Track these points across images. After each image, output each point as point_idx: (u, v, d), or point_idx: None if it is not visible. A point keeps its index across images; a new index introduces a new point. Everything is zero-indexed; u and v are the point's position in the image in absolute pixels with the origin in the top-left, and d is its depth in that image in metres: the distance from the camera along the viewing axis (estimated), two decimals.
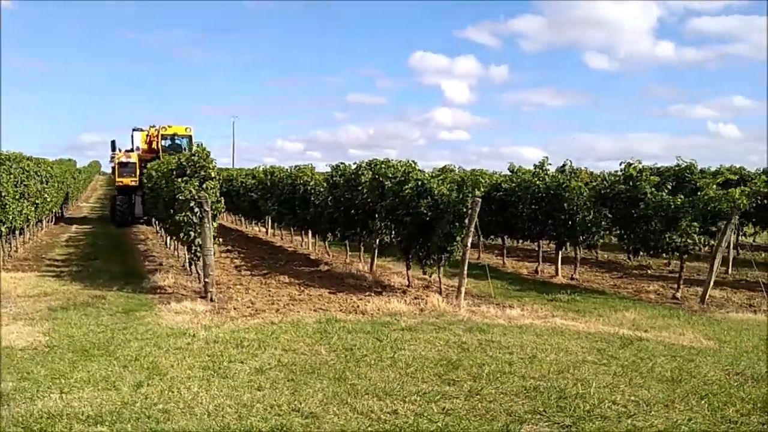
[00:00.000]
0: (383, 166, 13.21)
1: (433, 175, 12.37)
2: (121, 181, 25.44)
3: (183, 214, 10.97)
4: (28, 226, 18.02)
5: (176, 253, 16.72)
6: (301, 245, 20.32)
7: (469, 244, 11.00)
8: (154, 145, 26.03)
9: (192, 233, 11.09)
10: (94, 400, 5.80)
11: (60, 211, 28.52)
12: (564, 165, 15.06)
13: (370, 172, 13.96)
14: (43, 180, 18.92)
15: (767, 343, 8.34)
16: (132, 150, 26.82)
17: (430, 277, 12.45)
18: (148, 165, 20.13)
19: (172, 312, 9.61)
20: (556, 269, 14.64)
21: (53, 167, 22.85)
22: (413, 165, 12.46)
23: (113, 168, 27.26)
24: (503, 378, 6.58)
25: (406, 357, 7.31)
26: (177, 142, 25.49)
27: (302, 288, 12.13)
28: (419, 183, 11.75)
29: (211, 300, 10.58)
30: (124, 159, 25.61)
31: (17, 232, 16.65)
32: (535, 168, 15.59)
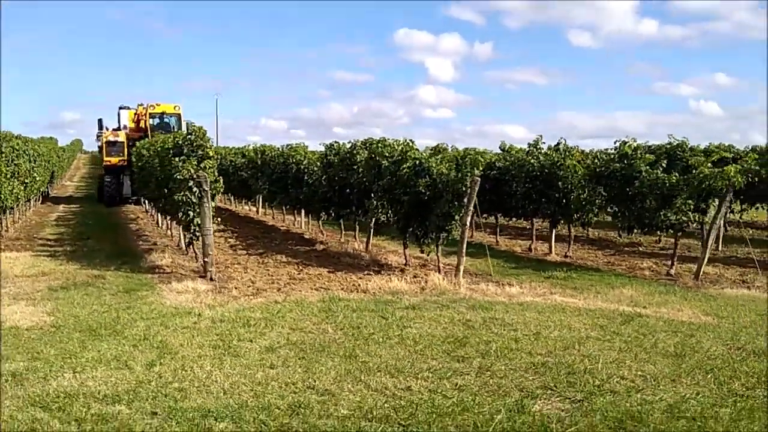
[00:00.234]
0: (380, 145, 13.20)
1: (430, 154, 12.37)
2: (109, 161, 25.21)
3: (182, 193, 10.93)
4: (17, 205, 17.87)
5: (169, 232, 16.70)
6: (294, 224, 20.33)
7: (468, 223, 11.08)
8: (141, 124, 25.80)
9: (191, 213, 11.06)
10: (108, 380, 5.83)
11: (46, 190, 28.29)
12: (558, 143, 15.12)
13: (366, 152, 13.95)
14: (31, 159, 18.76)
15: (765, 318, 8.49)
16: (119, 129, 26.55)
17: (428, 256, 12.53)
18: (137, 144, 19.94)
19: (174, 291, 9.62)
20: (550, 247, 14.77)
21: (40, 146, 22.65)
22: (411, 144, 12.47)
23: (100, 147, 27.05)
24: (511, 354, 6.68)
25: (413, 335, 7.39)
26: (165, 120, 25.28)
27: (301, 267, 12.16)
28: (417, 162, 11.77)
29: (211, 279, 10.59)
30: (111, 138, 25.37)
31: (7, 212, 16.51)
32: (529, 146, 15.65)
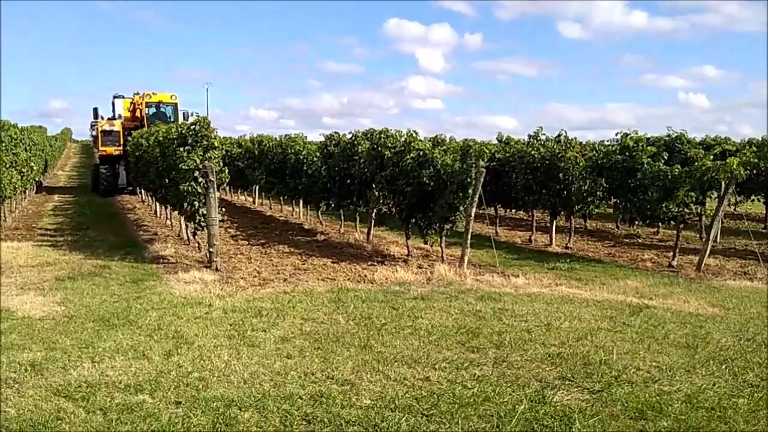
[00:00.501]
0: (382, 136, 13.21)
1: (433, 144, 12.37)
2: (105, 150, 24.97)
3: (187, 184, 10.91)
4: (14, 195, 17.77)
5: (168, 222, 16.66)
6: (292, 214, 20.32)
7: (473, 215, 11.13)
8: (137, 113, 25.56)
9: (196, 203, 11.04)
10: (128, 369, 5.84)
11: (39, 179, 28.08)
12: (559, 135, 15.17)
13: (368, 142, 13.96)
14: (27, 148, 18.67)
15: None
16: (114, 118, 26.29)
17: (431, 246, 12.56)
18: (135, 133, 19.82)
19: (182, 282, 9.62)
20: (551, 238, 14.83)
21: (34, 135, 22.51)
22: (414, 135, 12.48)
23: (95, 136, 26.80)
24: (525, 345, 6.73)
25: (426, 325, 7.43)
26: (162, 110, 25.08)
27: (304, 257, 12.18)
28: (421, 153, 11.80)
29: (217, 270, 10.60)
30: (107, 127, 25.11)
31: (5, 202, 16.42)
32: (529, 138, 15.71)
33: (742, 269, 11.81)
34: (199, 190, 10.92)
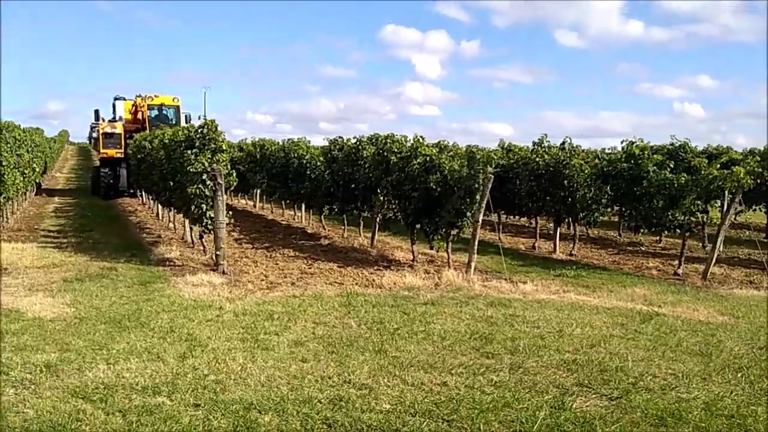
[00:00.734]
0: (388, 141, 13.23)
1: (439, 150, 12.36)
2: (106, 153, 24.86)
3: (195, 186, 10.88)
4: (17, 196, 17.71)
5: (170, 225, 16.63)
6: (294, 219, 20.30)
7: (480, 220, 11.13)
8: (139, 116, 25.49)
9: (204, 206, 11.03)
10: (143, 371, 5.82)
11: (39, 181, 27.98)
12: (563, 142, 15.22)
13: (373, 147, 13.97)
14: (29, 150, 18.61)
15: None
16: (115, 120, 26.24)
17: (437, 252, 12.55)
18: (137, 135, 19.79)
19: (190, 284, 9.60)
20: (555, 245, 14.85)
21: (35, 137, 22.46)
22: (421, 140, 12.50)
23: (96, 138, 26.75)
24: (540, 352, 6.72)
25: (438, 331, 7.43)
26: (164, 112, 25.02)
27: (310, 262, 12.16)
28: (428, 158, 11.80)
29: (224, 273, 10.58)
30: (108, 129, 25.02)
31: (8, 203, 16.37)
32: (533, 145, 15.75)
33: (747, 278, 11.84)
34: (207, 193, 10.91)
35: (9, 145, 13.65)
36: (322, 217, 17.81)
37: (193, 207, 11.15)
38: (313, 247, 14.33)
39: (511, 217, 19.27)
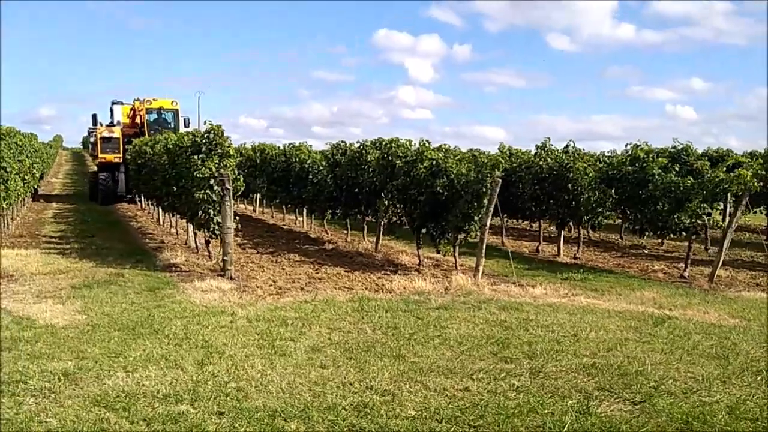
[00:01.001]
0: (393, 145, 13.22)
1: (449, 154, 12.35)
2: (104, 158, 24.71)
3: (202, 192, 10.85)
4: (16, 202, 17.62)
5: (173, 230, 16.58)
6: (295, 223, 20.26)
7: (488, 224, 11.12)
8: (137, 120, 25.38)
9: (211, 211, 11.00)
10: (163, 379, 5.78)
11: (36, 187, 27.80)
12: (567, 146, 15.22)
13: (378, 152, 13.96)
14: (28, 155, 18.53)
15: None
16: (113, 124, 26.10)
17: (444, 256, 12.53)
18: (136, 140, 19.71)
19: (199, 290, 9.55)
20: (559, 248, 14.85)
21: (34, 142, 22.37)
22: (427, 144, 12.49)
23: (94, 143, 26.63)
24: (557, 356, 6.71)
25: (454, 335, 7.41)
26: (163, 116, 24.89)
27: (317, 266, 12.13)
28: (434, 162, 11.79)
29: (231, 278, 10.53)
30: (106, 134, 24.87)
31: (9, 209, 16.29)
32: (537, 148, 15.75)
33: (753, 280, 11.87)
34: (215, 198, 10.88)
35: (12, 151, 13.58)
36: (325, 221, 17.77)
37: (200, 212, 11.11)
38: (317, 251, 14.30)
39: (513, 220, 19.27)
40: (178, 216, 14.56)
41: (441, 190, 11.52)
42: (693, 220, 11.91)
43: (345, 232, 16.99)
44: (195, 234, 13.74)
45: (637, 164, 12.95)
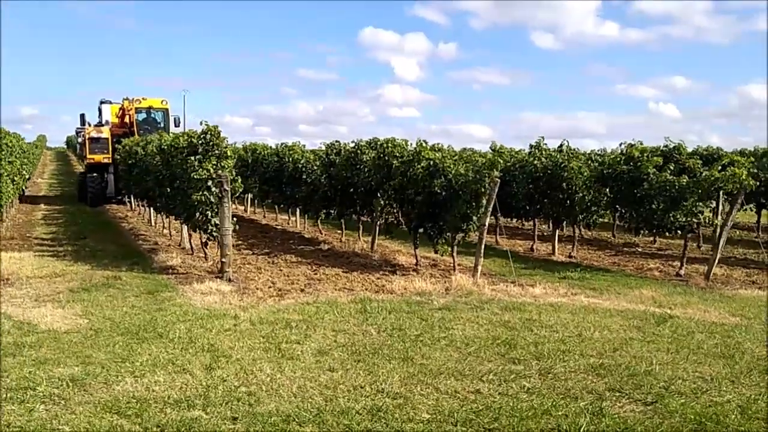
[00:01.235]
0: (389, 145, 13.20)
1: (446, 154, 12.34)
2: (93, 158, 24.39)
3: (200, 193, 10.77)
4: (6, 204, 17.45)
5: (165, 231, 16.47)
6: (288, 223, 20.18)
7: (486, 224, 11.13)
8: (126, 119, 25.11)
9: (209, 213, 10.92)
10: (173, 384, 5.74)
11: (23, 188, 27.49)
12: (561, 145, 15.28)
13: (374, 151, 13.94)
14: (17, 156, 18.34)
15: None
16: (101, 124, 25.79)
17: (442, 256, 12.53)
18: (128, 140, 19.49)
19: (198, 293, 9.50)
20: (553, 247, 14.90)
21: (21, 143, 22.13)
22: (424, 144, 12.48)
23: (82, 143, 26.35)
24: (565, 357, 6.72)
25: (460, 336, 7.41)
26: (152, 116, 24.65)
27: (314, 267, 12.10)
28: (432, 163, 11.77)
29: (230, 280, 10.48)
30: (95, 134, 24.55)
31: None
32: (530, 148, 15.79)
33: (748, 278, 11.96)
34: (212, 200, 10.80)
35: (3, 153, 13.44)
36: (319, 221, 17.72)
37: (197, 214, 11.03)
38: (313, 252, 14.25)
39: (506, 219, 19.29)
40: (173, 217, 14.44)
41: (439, 190, 11.50)
42: (689, 219, 11.98)
43: (339, 232, 16.96)
44: (189, 235, 13.65)
45: (631, 163, 13.00)
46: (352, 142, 15.27)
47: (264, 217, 22.57)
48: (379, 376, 6.03)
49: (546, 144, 15.74)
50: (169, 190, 12.93)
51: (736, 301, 9.87)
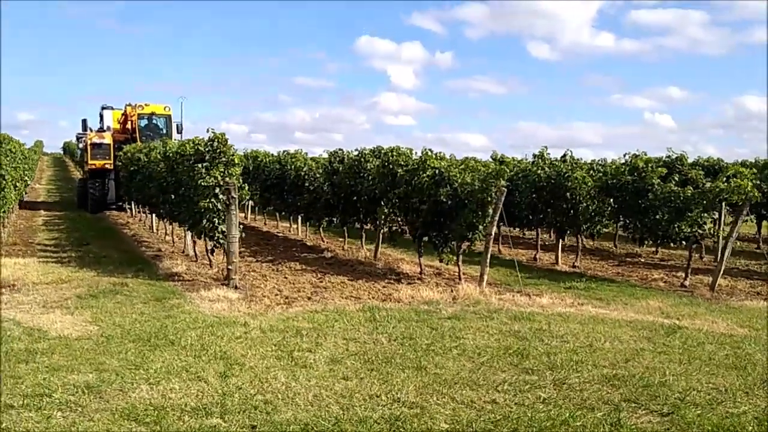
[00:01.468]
0: (394, 153, 13.22)
1: (452, 163, 12.36)
2: (94, 164, 24.32)
3: (207, 201, 10.77)
4: (9, 210, 17.39)
5: (168, 238, 16.45)
6: (290, 231, 20.18)
7: (492, 233, 11.15)
8: (128, 125, 25.05)
9: (216, 220, 10.93)
10: (188, 392, 5.73)
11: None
12: (564, 155, 15.34)
13: (378, 160, 13.96)
14: (19, 162, 18.31)
15: None
16: (103, 129, 25.73)
17: (447, 265, 12.53)
18: (131, 147, 19.48)
19: (206, 300, 9.49)
20: (557, 257, 14.92)
21: (22, 149, 22.08)
22: (430, 153, 12.50)
23: (83, 149, 26.29)
24: (578, 367, 6.73)
25: (471, 346, 7.41)
26: (154, 122, 24.58)
27: (319, 275, 12.10)
28: (438, 171, 11.79)
29: (236, 287, 10.47)
30: (96, 140, 24.49)
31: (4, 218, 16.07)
32: (534, 157, 15.86)
33: (753, 289, 11.98)
34: (219, 207, 10.80)
35: (8, 158, 13.41)
36: (321, 229, 17.72)
37: (204, 221, 11.02)
38: (317, 260, 14.25)
39: (509, 228, 19.30)
40: (177, 224, 14.42)
41: (444, 199, 11.53)
42: (693, 230, 12.02)
43: (341, 240, 16.96)
44: (194, 242, 13.64)
45: (636, 174, 13.04)
46: (355, 150, 15.32)
47: (265, 224, 22.56)
48: (394, 385, 6.03)
49: (549, 153, 15.83)
50: (173, 197, 12.92)
51: (743, 312, 9.89)
